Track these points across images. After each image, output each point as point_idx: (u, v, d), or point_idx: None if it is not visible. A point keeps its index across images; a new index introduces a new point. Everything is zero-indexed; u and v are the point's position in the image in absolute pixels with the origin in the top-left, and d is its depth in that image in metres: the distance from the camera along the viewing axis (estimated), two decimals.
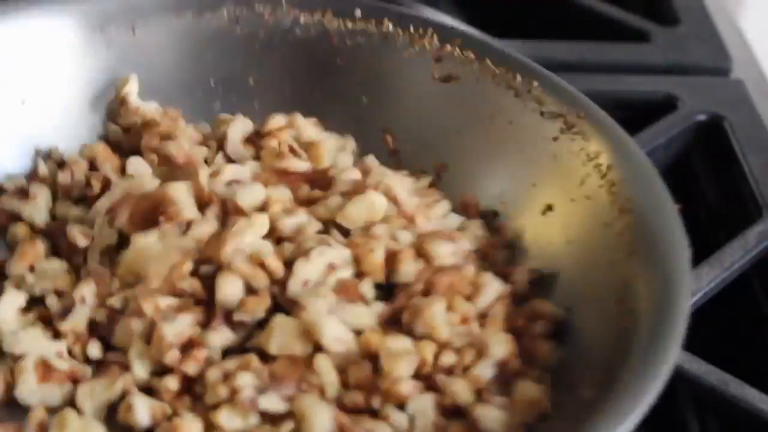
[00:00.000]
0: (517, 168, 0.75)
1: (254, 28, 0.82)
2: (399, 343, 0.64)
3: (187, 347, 0.64)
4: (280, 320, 0.65)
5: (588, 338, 0.65)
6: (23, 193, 0.75)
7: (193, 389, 0.64)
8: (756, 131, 0.93)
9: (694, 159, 0.93)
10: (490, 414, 0.62)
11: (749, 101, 0.96)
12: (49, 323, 0.68)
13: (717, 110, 0.94)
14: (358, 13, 0.81)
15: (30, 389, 0.64)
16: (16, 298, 0.69)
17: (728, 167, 0.90)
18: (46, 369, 0.65)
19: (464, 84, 0.78)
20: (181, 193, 0.70)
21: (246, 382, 0.62)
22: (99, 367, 0.66)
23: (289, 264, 0.67)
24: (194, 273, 0.67)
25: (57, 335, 0.67)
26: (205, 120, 0.81)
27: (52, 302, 0.69)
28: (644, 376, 0.57)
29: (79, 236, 0.71)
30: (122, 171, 0.75)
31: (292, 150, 0.76)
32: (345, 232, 0.71)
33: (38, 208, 0.74)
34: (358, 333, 0.65)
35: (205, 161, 0.76)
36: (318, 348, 0.64)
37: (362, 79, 0.81)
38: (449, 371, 0.64)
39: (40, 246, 0.72)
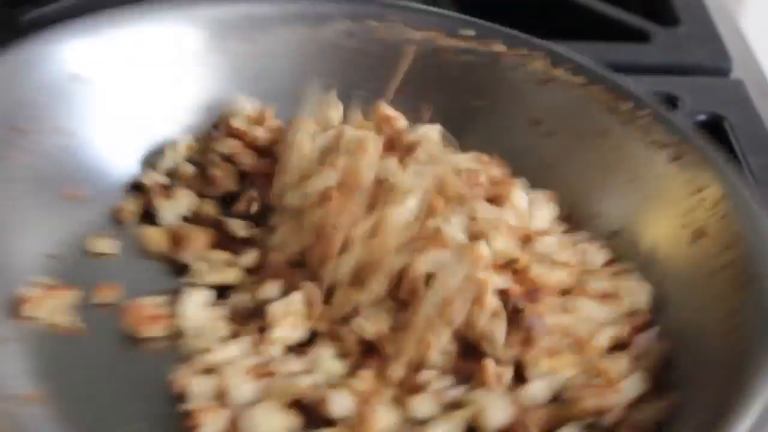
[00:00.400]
0: (622, 195, 0.77)
1: (367, 43, 0.84)
2: None
3: None
4: None
5: (696, 371, 0.66)
6: (166, 190, 0.78)
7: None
8: (756, 131, 0.93)
9: None
10: None
11: (749, 101, 0.97)
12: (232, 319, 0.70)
13: (717, 110, 0.94)
14: (470, 32, 0.84)
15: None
16: (199, 296, 0.71)
17: None
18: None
19: (572, 109, 0.80)
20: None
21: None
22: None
23: None
24: None
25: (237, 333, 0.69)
26: None
27: (244, 299, 0.71)
28: (754, 414, 0.59)
29: (240, 229, 0.75)
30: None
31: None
32: None
33: (179, 206, 0.78)
34: None
35: None
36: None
37: (470, 98, 0.83)
38: None
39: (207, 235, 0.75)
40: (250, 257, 0.74)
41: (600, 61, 0.98)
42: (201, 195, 0.79)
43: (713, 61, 1.02)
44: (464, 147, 0.81)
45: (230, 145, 0.80)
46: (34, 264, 0.73)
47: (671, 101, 0.95)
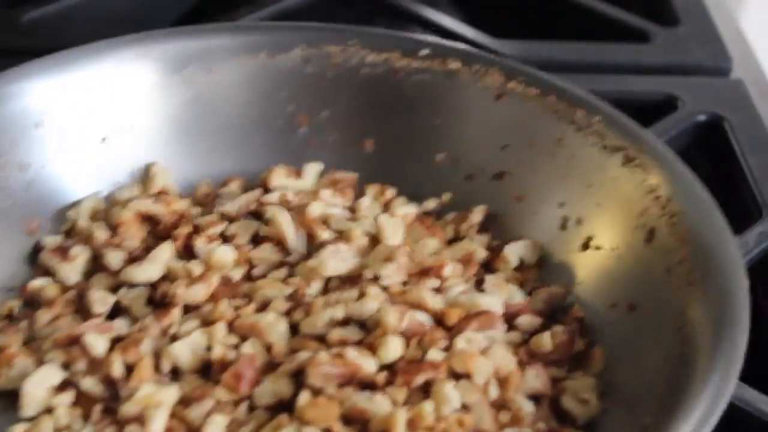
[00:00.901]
0: (579, 199, 0.77)
1: (323, 68, 0.84)
2: None
3: None
4: None
5: (647, 366, 0.66)
6: (63, 252, 0.75)
7: None
8: (756, 131, 0.92)
9: (694, 159, 0.90)
10: None
11: (749, 101, 0.95)
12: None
13: (717, 110, 0.93)
14: (424, 51, 0.83)
15: None
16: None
17: (728, 167, 0.90)
18: None
19: (527, 120, 0.80)
20: None
21: None
22: None
23: None
24: None
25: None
26: (282, 152, 0.83)
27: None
28: (702, 405, 0.58)
29: (96, 303, 0.72)
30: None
31: None
32: None
33: (75, 268, 0.75)
34: None
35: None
36: None
37: (427, 115, 0.83)
38: None
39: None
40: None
41: (600, 62, 0.99)
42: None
43: (713, 61, 1.01)
44: (424, 165, 0.82)
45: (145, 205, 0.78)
46: None
47: (671, 101, 0.94)
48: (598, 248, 0.75)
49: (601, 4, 1.09)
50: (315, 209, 0.78)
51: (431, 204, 0.82)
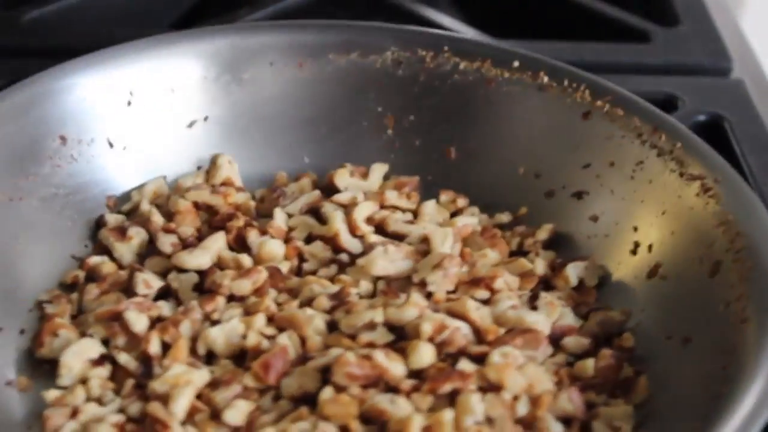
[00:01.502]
0: (652, 225, 0.70)
1: (415, 72, 0.78)
2: None
3: None
4: None
5: (687, 400, 0.61)
6: (121, 232, 0.71)
7: None
8: (756, 131, 0.84)
9: None
10: None
11: (749, 101, 0.87)
12: None
13: (717, 110, 0.85)
14: (515, 63, 0.76)
15: None
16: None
17: None
18: None
19: (612, 140, 0.73)
20: None
21: None
22: None
23: None
24: None
25: None
26: (363, 153, 0.78)
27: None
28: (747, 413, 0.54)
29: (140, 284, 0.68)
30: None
31: None
32: None
33: (130, 249, 0.71)
34: None
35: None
36: None
37: (513, 127, 0.76)
38: None
39: None
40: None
41: (600, 61, 0.91)
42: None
43: (713, 61, 0.93)
44: (505, 177, 0.76)
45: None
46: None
47: (671, 101, 0.87)
48: (663, 278, 0.67)
49: (601, 4, 1.01)
50: (363, 210, 0.71)
51: (504, 217, 0.74)
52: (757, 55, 0.97)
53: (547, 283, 0.69)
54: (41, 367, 0.65)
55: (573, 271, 0.69)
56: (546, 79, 0.75)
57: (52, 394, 0.62)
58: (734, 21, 1.04)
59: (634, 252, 0.69)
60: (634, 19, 0.99)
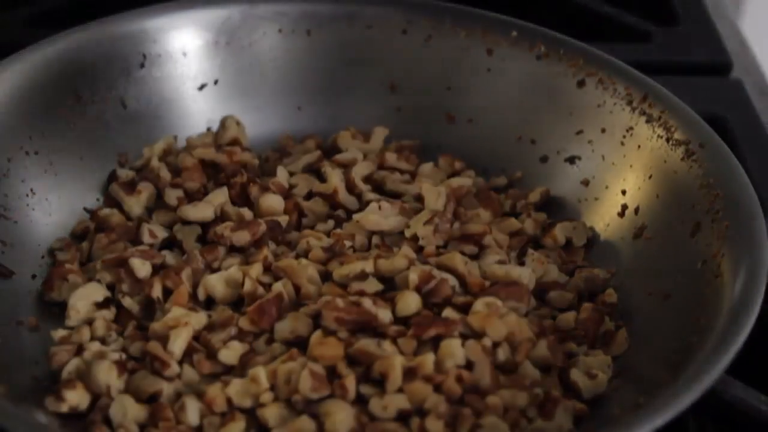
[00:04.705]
0: (640, 189, 0.72)
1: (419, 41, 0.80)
2: None
3: None
4: None
5: (662, 352, 0.62)
6: (130, 187, 0.72)
7: None
8: (756, 131, 0.84)
9: None
10: None
11: (749, 101, 0.87)
12: None
13: (717, 110, 0.85)
14: (514, 33, 0.78)
15: None
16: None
17: None
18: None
19: (604, 107, 0.75)
20: None
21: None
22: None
23: None
24: None
25: None
26: (368, 117, 0.80)
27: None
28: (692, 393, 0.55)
29: (146, 233, 0.69)
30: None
31: None
32: None
33: (139, 202, 0.72)
34: None
35: None
36: None
37: (511, 93, 0.79)
38: None
39: None
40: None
41: None
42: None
43: (713, 61, 0.93)
44: (504, 143, 0.78)
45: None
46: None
47: None
48: (648, 238, 0.68)
49: (601, 4, 1.01)
50: (361, 169, 0.73)
51: (500, 180, 0.75)
52: (756, 55, 0.97)
53: (537, 243, 0.71)
54: (51, 309, 0.66)
55: (561, 231, 0.70)
56: (543, 48, 0.77)
57: (59, 333, 0.63)
58: (734, 21, 1.04)
59: (621, 214, 0.71)
60: (634, 19, 0.99)
